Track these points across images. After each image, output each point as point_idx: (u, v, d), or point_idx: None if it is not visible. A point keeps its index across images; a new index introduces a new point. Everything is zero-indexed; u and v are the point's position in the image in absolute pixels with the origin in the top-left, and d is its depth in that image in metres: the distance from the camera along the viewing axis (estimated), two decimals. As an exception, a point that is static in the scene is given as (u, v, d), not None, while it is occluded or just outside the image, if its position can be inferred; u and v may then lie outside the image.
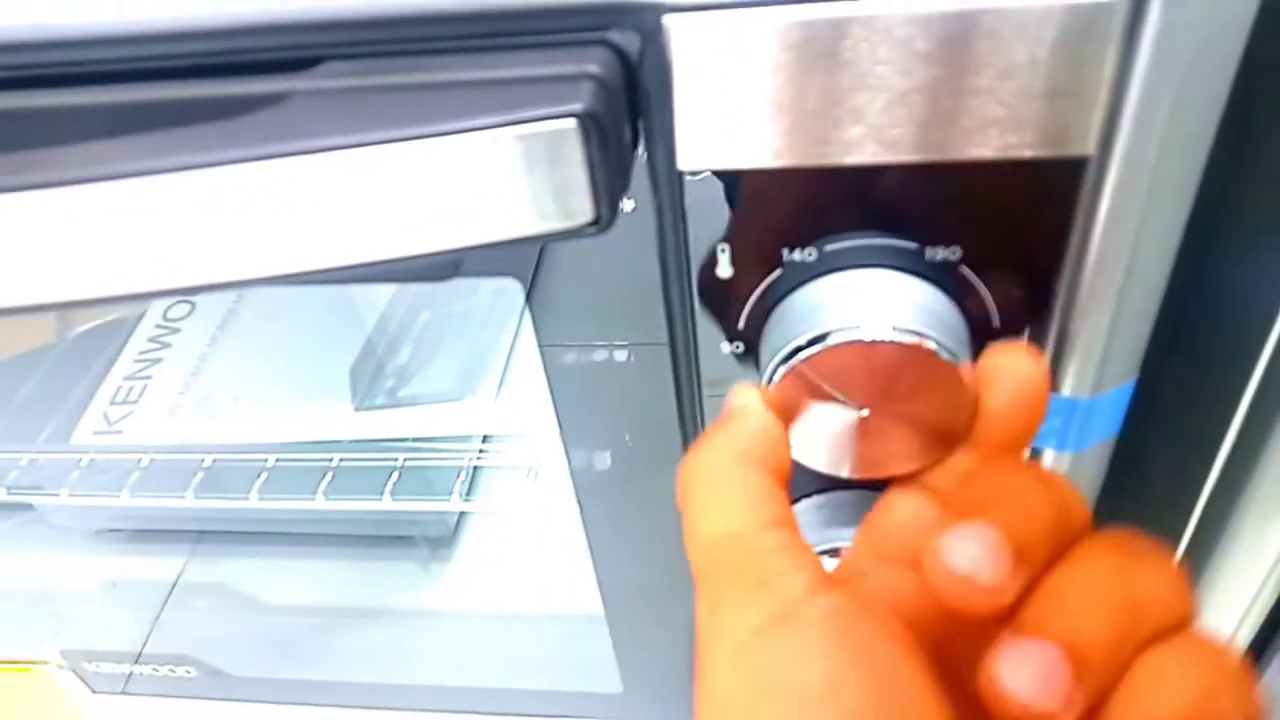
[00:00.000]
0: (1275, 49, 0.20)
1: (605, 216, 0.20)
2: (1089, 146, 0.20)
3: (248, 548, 0.43)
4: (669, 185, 0.22)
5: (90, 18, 0.20)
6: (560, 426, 0.26)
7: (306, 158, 0.18)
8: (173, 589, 0.41)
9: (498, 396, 0.34)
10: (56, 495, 0.36)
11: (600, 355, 0.25)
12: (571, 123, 0.18)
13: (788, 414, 0.22)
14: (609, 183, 0.19)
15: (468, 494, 0.35)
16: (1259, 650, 0.33)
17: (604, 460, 0.27)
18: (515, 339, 0.34)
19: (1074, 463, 0.26)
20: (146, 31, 0.20)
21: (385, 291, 0.37)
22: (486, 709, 0.37)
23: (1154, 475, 0.34)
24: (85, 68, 0.21)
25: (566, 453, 0.27)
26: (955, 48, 0.19)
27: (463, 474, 0.34)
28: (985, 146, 0.20)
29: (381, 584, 0.42)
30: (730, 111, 0.20)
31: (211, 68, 0.20)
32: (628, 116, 0.20)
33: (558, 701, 0.37)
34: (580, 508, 0.30)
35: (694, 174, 0.21)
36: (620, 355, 0.25)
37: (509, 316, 0.35)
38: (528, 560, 0.43)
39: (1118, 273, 0.22)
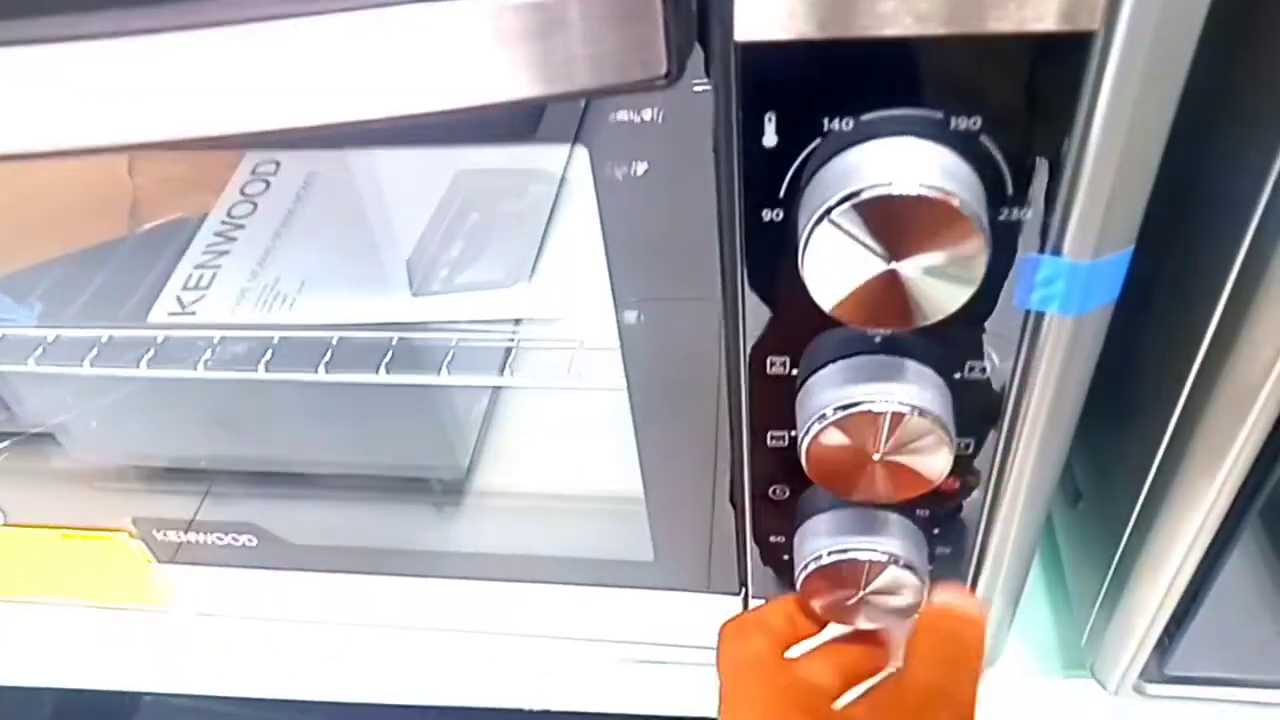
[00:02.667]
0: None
1: (675, 70, 0.23)
2: (1095, 22, 0.23)
3: (262, 489, 0.46)
4: (724, 57, 0.25)
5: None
6: (612, 284, 0.29)
7: (418, 6, 0.21)
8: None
9: (530, 280, 0.37)
10: (136, 370, 0.39)
11: (654, 220, 0.28)
12: (654, -19, 0.21)
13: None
14: (679, 40, 0.22)
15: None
16: (1232, 525, 0.36)
17: (650, 313, 0.30)
18: (548, 224, 0.37)
19: (1075, 327, 0.29)
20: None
21: (436, 191, 0.40)
22: (530, 576, 0.41)
23: (1148, 359, 0.37)
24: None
25: (617, 314, 0.30)
26: (982, -73, 0.22)
27: (511, 354, 0.37)
28: (1004, 20, 0.23)
29: (401, 521, 0.46)
30: (783, -15, 0.23)
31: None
32: (694, -15, 0.23)
33: (592, 569, 0.40)
34: (627, 381, 0.33)
35: (748, 45, 0.24)
36: (670, 219, 0.28)
37: (542, 212, 0.38)
38: (552, 462, 0.47)
39: (1117, 142, 0.25)
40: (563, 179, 0.37)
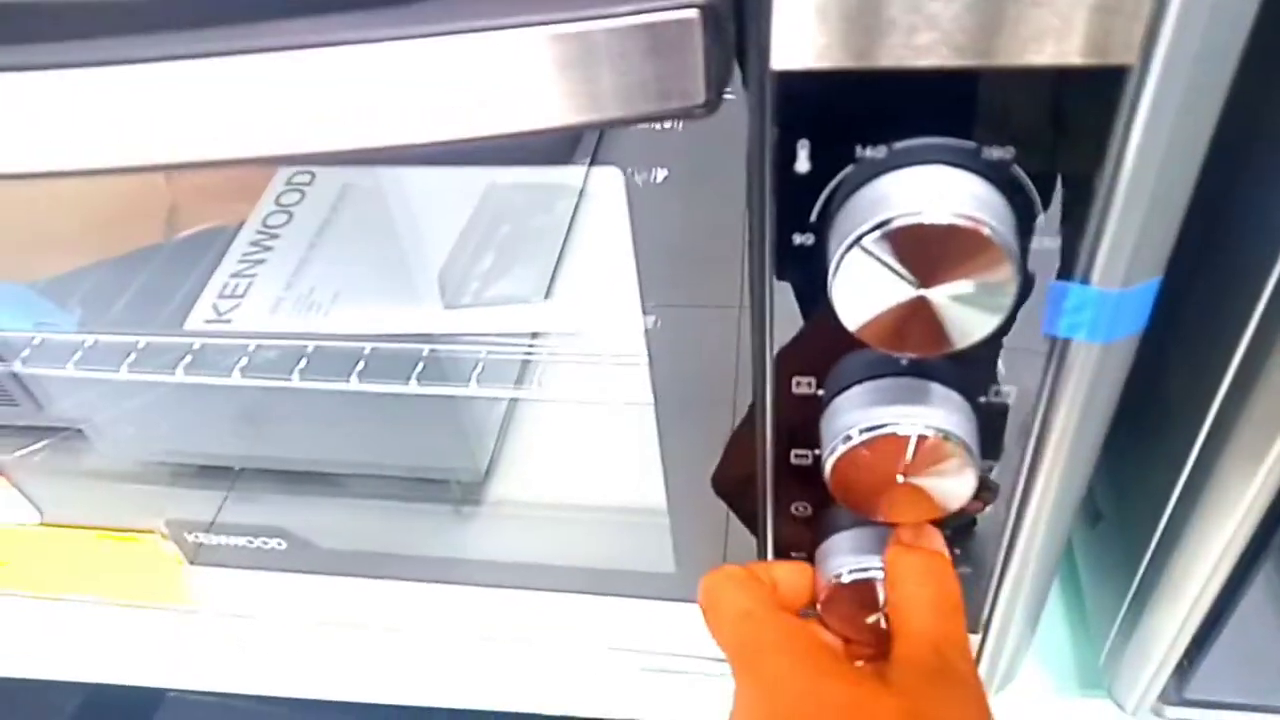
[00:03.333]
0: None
1: (713, 99, 0.23)
2: (1131, 56, 0.23)
3: (290, 491, 0.47)
4: (759, 83, 0.25)
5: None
6: (641, 294, 0.29)
7: (468, 36, 0.21)
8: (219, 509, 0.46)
9: (548, 296, 0.38)
10: (172, 376, 0.40)
11: (682, 228, 0.28)
12: (695, 13, 0.21)
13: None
14: (718, 70, 0.23)
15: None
16: (1257, 547, 0.36)
17: (678, 324, 0.31)
18: (565, 240, 0.38)
19: (1102, 354, 0.29)
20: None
21: (467, 206, 0.40)
22: (553, 585, 0.41)
23: (1174, 380, 0.37)
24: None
25: (645, 324, 0.30)
26: (1019, -36, 0.22)
27: (533, 365, 0.37)
28: (1040, 54, 0.23)
29: (420, 524, 0.47)
30: (820, 17, 0.24)
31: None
32: (734, 16, 0.23)
33: (614, 580, 0.41)
34: (653, 393, 0.33)
35: (784, 73, 0.25)
36: (702, 236, 0.28)
37: (560, 228, 0.38)
38: (570, 470, 0.48)
39: (1150, 174, 0.25)
40: (582, 192, 0.37)
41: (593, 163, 0.27)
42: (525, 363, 0.39)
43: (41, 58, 0.23)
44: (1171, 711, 0.44)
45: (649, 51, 0.22)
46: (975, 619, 0.39)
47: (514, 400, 0.49)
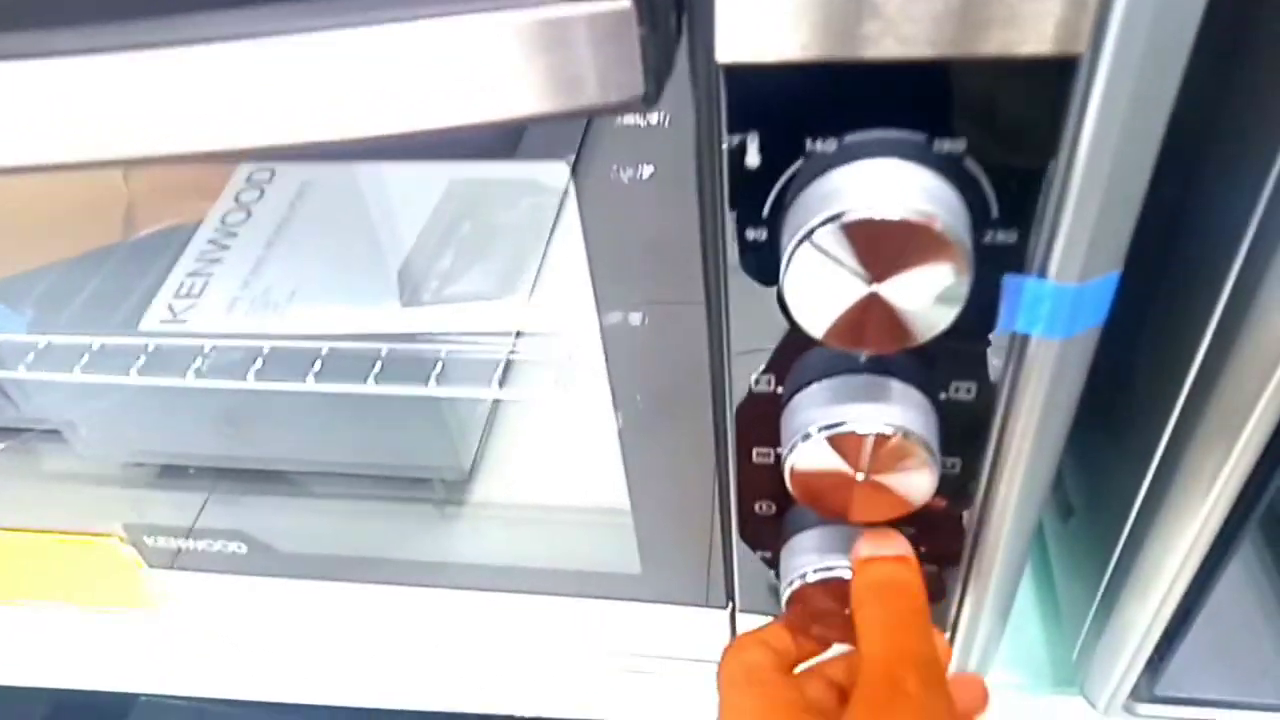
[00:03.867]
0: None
1: (652, 92, 0.22)
2: (1081, 45, 0.23)
3: (259, 493, 0.46)
4: (706, 77, 0.25)
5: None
6: (596, 296, 0.29)
7: (402, 24, 0.21)
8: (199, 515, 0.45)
9: (531, 296, 0.37)
10: (126, 377, 0.39)
11: (637, 230, 0.28)
12: (629, 4, 0.21)
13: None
14: (657, 62, 0.22)
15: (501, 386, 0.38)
16: (1225, 541, 0.36)
17: (636, 323, 0.30)
18: (548, 243, 0.37)
19: (1062, 349, 0.29)
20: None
21: (429, 202, 0.40)
22: (520, 587, 0.41)
23: (1141, 373, 0.37)
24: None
25: (601, 326, 0.30)
26: (965, -49, 0.22)
27: (499, 367, 0.37)
28: (989, 43, 0.23)
29: (400, 521, 0.46)
30: (764, 7, 0.23)
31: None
32: (674, 7, 0.23)
33: (580, 581, 0.40)
34: (612, 393, 0.33)
35: (731, 66, 0.24)
36: (652, 230, 0.28)
37: (543, 227, 0.38)
38: (549, 470, 0.47)
39: (1104, 167, 0.25)
40: (566, 192, 0.37)
41: (576, 160, 0.26)
42: (507, 363, 0.39)
43: None
44: (1144, 709, 0.43)
45: (585, 43, 0.21)
46: (944, 617, 0.39)
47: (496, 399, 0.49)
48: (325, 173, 0.41)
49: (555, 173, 0.28)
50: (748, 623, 0.41)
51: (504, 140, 0.26)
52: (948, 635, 0.39)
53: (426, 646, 0.49)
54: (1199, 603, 0.39)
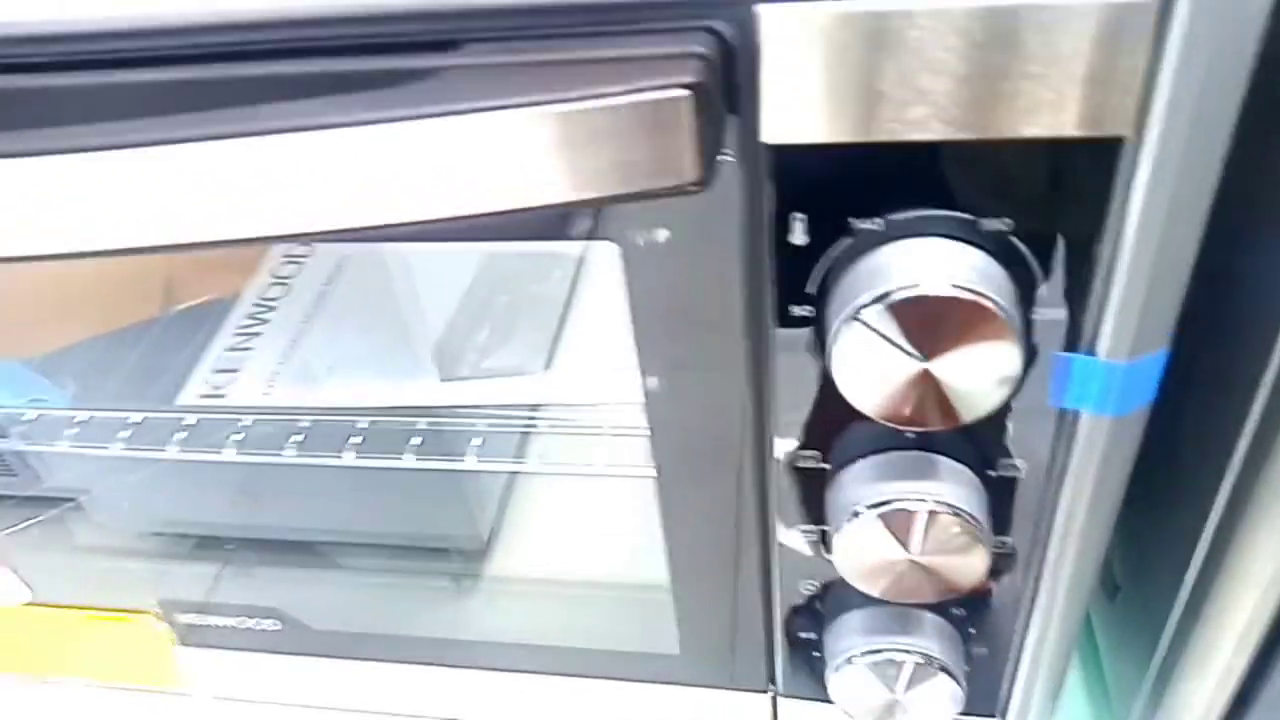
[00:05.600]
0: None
1: (706, 176, 0.23)
2: (1126, 127, 0.23)
3: (286, 566, 0.46)
4: (753, 156, 0.25)
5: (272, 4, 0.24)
6: (641, 367, 0.29)
7: (461, 117, 0.21)
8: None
9: (547, 367, 0.37)
10: (163, 451, 0.39)
11: (683, 304, 0.28)
12: (686, 93, 0.21)
13: None
14: (709, 147, 0.23)
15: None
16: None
17: (677, 395, 0.30)
18: (565, 309, 0.37)
19: (1112, 425, 0.28)
20: (314, 15, 0.24)
21: (465, 277, 0.40)
22: (549, 668, 0.40)
23: (1188, 449, 0.36)
24: (264, 45, 0.24)
25: (645, 397, 0.30)
26: (1009, 38, 0.22)
27: (531, 437, 0.37)
28: (1035, 126, 0.23)
29: (419, 592, 0.46)
30: (811, 90, 0.23)
31: (366, 48, 0.24)
32: (723, 93, 0.23)
33: (616, 662, 0.39)
34: (657, 470, 0.33)
35: (777, 147, 0.24)
36: (695, 301, 0.28)
37: (559, 299, 0.38)
38: (572, 543, 0.47)
39: (1151, 244, 0.25)
40: (581, 260, 0.37)
41: (594, 230, 0.27)
42: (525, 434, 0.39)
43: (38, 143, 0.24)
44: (1202, 794, 0.42)
45: (640, 131, 0.21)
46: (993, 701, 0.37)
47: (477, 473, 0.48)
48: (362, 250, 0.42)
49: (589, 246, 0.28)
50: (789, 708, 0.40)
51: (555, 221, 0.27)
52: (997, 719, 0.38)
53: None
54: (1260, 684, 0.38)
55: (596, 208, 0.24)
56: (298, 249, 0.43)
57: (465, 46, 0.23)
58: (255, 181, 0.22)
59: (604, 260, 0.28)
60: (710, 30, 0.23)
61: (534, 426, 0.38)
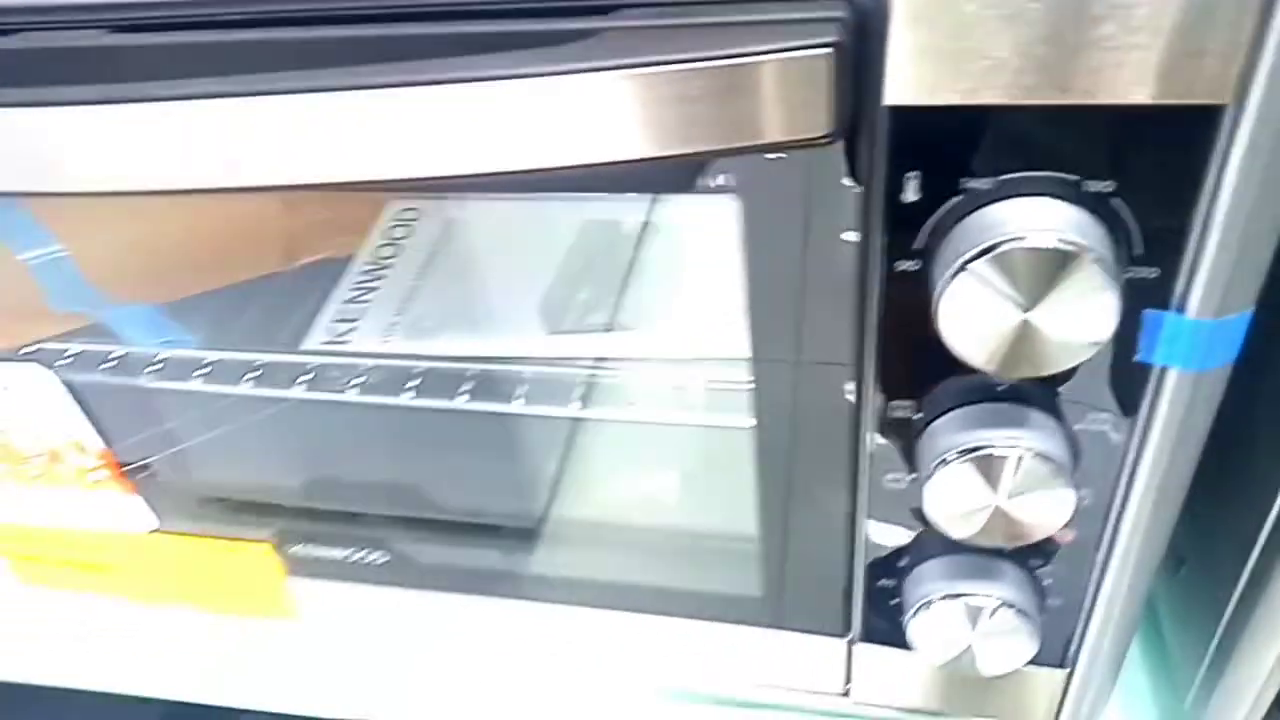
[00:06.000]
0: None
1: (836, 132, 0.25)
2: (1227, 96, 0.25)
3: (332, 527, 0.49)
4: (872, 117, 0.27)
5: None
6: (751, 325, 0.31)
7: (620, 72, 0.24)
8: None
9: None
10: (289, 391, 0.43)
11: (795, 259, 0.30)
12: (828, 51, 0.23)
13: None
14: (841, 104, 0.25)
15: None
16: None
17: (783, 353, 0.32)
18: (630, 268, 0.40)
19: (1195, 382, 0.30)
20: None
21: (568, 238, 0.43)
22: (638, 607, 0.42)
23: (1258, 420, 0.38)
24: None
25: (753, 354, 0.32)
26: (1119, 11, 0.24)
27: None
28: (1141, 94, 0.25)
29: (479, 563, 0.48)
30: (934, 56, 0.26)
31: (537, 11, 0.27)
32: (854, 54, 0.26)
33: (698, 602, 0.42)
34: (757, 422, 0.35)
35: (897, 108, 0.27)
36: (810, 256, 0.30)
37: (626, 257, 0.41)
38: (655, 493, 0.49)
39: (1244, 209, 0.27)
40: (645, 224, 0.40)
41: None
42: (616, 386, 0.41)
43: (196, 89, 0.27)
44: (1261, 763, 0.43)
45: (784, 85, 0.24)
46: (1062, 653, 0.39)
47: (574, 428, 0.50)
48: (467, 211, 0.44)
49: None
50: (864, 653, 0.42)
51: (687, 172, 0.29)
52: (1065, 671, 0.40)
53: (536, 667, 0.50)
54: (1322, 654, 0.39)
55: (734, 155, 0.27)
56: (408, 212, 0.46)
57: (620, 12, 0.26)
58: (412, 132, 0.25)
59: (714, 217, 0.30)
60: (847, -2, 0.25)
61: (625, 379, 0.40)
